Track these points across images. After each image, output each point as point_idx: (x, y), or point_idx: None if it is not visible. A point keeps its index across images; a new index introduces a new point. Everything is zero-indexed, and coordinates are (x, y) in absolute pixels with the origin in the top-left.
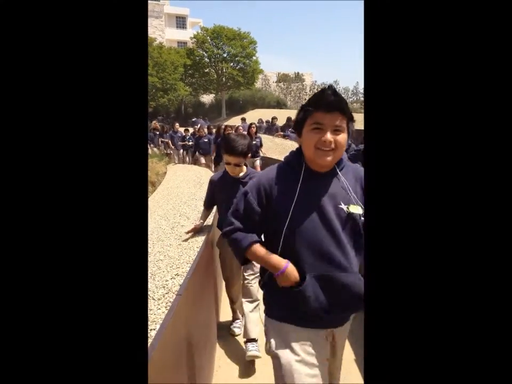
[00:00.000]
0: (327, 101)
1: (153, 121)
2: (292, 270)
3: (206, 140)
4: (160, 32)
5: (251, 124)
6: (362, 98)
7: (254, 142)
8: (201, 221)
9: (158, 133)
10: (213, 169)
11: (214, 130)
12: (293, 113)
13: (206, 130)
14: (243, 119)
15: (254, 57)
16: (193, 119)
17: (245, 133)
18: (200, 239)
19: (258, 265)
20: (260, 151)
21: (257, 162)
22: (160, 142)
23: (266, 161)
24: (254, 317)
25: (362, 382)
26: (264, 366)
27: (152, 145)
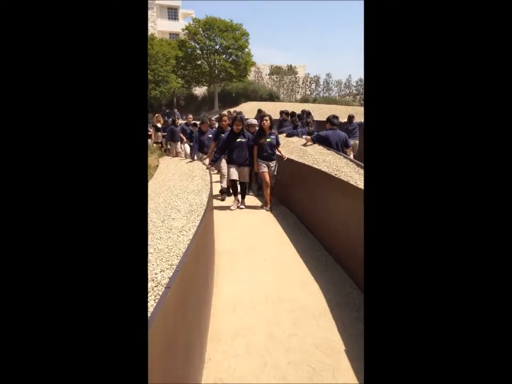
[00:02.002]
0: None
1: (156, 115)
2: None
3: (210, 136)
4: (152, 23)
5: (264, 116)
6: (355, 92)
7: (268, 140)
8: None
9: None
10: (210, 170)
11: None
12: (285, 106)
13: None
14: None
15: (247, 49)
16: (167, 110)
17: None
18: (191, 232)
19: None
20: (277, 151)
21: (274, 168)
22: (181, 137)
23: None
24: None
25: (352, 372)
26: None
27: (171, 141)
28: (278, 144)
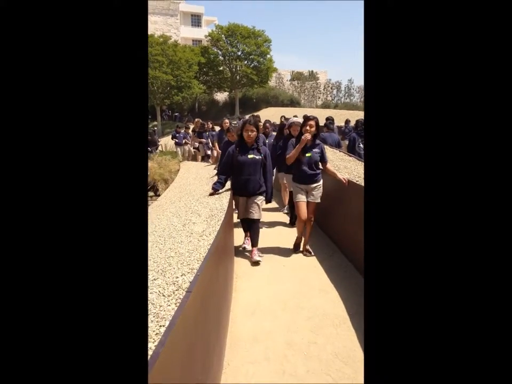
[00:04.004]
0: None
1: (196, 119)
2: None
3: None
4: (175, 30)
5: (308, 119)
6: None
7: (308, 155)
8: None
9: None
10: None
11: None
12: (306, 112)
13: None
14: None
15: (268, 56)
16: (176, 113)
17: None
18: (211, 237)
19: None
20: (326, 171)
21: (318, 194)
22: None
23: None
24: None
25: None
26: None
27: (204, 146)
28: (324, 160)
